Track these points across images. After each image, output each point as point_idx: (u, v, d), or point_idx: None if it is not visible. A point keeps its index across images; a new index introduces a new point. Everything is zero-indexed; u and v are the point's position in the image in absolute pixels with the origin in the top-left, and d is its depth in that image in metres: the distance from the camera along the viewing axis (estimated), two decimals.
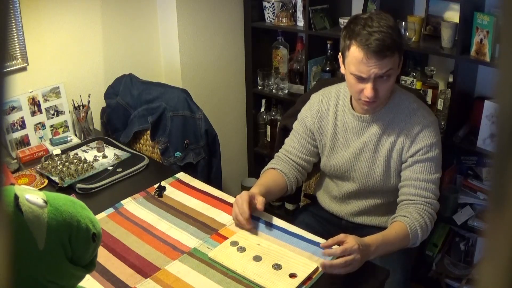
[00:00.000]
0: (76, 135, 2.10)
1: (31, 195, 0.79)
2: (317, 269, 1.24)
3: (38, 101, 1.99)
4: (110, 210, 1.55)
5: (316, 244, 1.34)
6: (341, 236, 1.25)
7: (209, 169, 2.14)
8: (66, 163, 1.78)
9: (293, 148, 1.67)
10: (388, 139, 1.52)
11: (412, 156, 1.48)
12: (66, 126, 2.10)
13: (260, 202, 1.41)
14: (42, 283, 0.79)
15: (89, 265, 0.89)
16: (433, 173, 1.47)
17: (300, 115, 1.70)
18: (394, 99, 1.53)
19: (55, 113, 2.05)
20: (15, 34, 1.88)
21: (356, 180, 1.60)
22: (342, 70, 1.49)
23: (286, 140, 1.72)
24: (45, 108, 2.01)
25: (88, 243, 0.84)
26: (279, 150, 1.72)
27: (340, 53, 1.49)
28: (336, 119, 1.61)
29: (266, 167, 1.68)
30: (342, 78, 2.14)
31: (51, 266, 0.80)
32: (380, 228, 1.53)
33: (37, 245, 0.77)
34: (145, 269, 1.27)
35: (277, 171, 1.63)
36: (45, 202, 0.80)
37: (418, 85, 2.18)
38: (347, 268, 1.21)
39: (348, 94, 1.59)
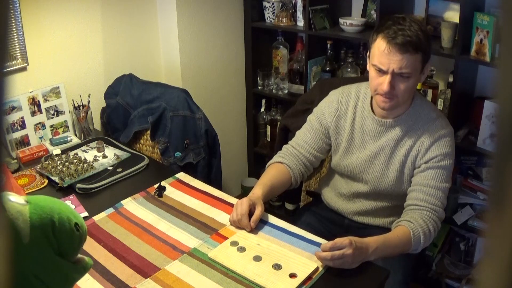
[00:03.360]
0: (76, 135, 2.10)
1: (13, 196, 0.85)
2: (317, 269, 1.24)
3: (38, 101, 1.99)
4: (110, 210, 1.55)
5: (316, 244, 1.34)
6: (335, 240, 1.25)
7: (209, 169, 2.14)
8: (66, 163, 1.78)
9: (305, 142, 1.65)
10: (405, 145, 1.52)
11: (426, 162, 1.48)
12: (66, 126, 2.10)
13: (255, 219, 1.40)
14: (28, 278, 0.81)
15: (80, 268, 0.91)
16: (443, 181, 1.47)
17: (317, 110, 1.67)
18: (415, 106, 1.52)
19: (55, 113, 2.05)
20: (15, 34, 1.88)
21: (368, 183, 1.59)
22: (368, 66, 1.50)
23: (298, 133, 1.69)
24: (45, 108, 2.01)
25: (72, 233, 0.87)
26: (289, 142, 1.69)
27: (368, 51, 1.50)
28: (354, 120, 1.60)
29: (272, 160, 1.66)
30: (343, 79, 2.15)
31: (37, 260, 0.82)
32: (383, 228, 1.53)
33: (21, 240, 0.80)
34: (145, 269, 1.27)
35: (284, 166, 1.62)
36: (26, 201, 0.85)
37: (418, 85, 2.18)
38: (337, 262, 1.22)
39: (369, 95, 1.58)
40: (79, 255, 0.93)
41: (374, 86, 1.44)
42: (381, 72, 1.40)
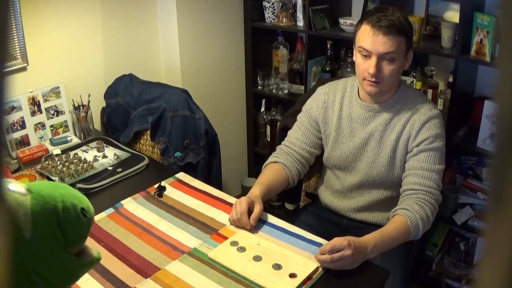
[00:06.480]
0: (76, 135, 2.10)
1: (13, 185, 0.78)
2: (317, 269, 1.24)
3: (38, 101, 1.99)
4: (110, 210, 1.55)
5: (316, 244, 1.34)
6: (333, 240, 1.25)
7: (209, 169, 2.14)
8: (66, 163, 1.78)
9: (296, 139, 1.67)
10: (394, 129, 1.54)
11: (418, 145, 1.50)
12: (66, 126, 2.10)
13: (254, 217, 1.40)
14: (28, 274, 0.76)
15: (85, 263, 0.86)
16: (437, 163, 1.49)
17: (305, 107, 1.72)
18: (401, 92, 1.56)
19: (55, 113, 2.05)
20: (15, 34, 1.88)
21: (361, 171, 1.60)
22: (354, 57, 1.54)
23: (289, 132, 1.73)
24: (45, 108, 2.01)
25: (79, 220, 0.82)
26: (282, 143, 1.71)
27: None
28: (341, 109, 1.63)
29: (268, 161, 1.68)
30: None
31: (39, 255, 0.77)
32: (382, 226, 1.53)
33: (23, 234, 0.75)
34: (145, 269, 1.27)
35: (279, 165, 1.63)
36: (27, 190, 0.79)
37: (418, 85, 2.18)
38: (337, 264, 1.21)
39: (356, 86, 1.62)
40: (90, 248, 0.88)
41: (361, 72, 1.48)
42: (367, 56, 1.45)
